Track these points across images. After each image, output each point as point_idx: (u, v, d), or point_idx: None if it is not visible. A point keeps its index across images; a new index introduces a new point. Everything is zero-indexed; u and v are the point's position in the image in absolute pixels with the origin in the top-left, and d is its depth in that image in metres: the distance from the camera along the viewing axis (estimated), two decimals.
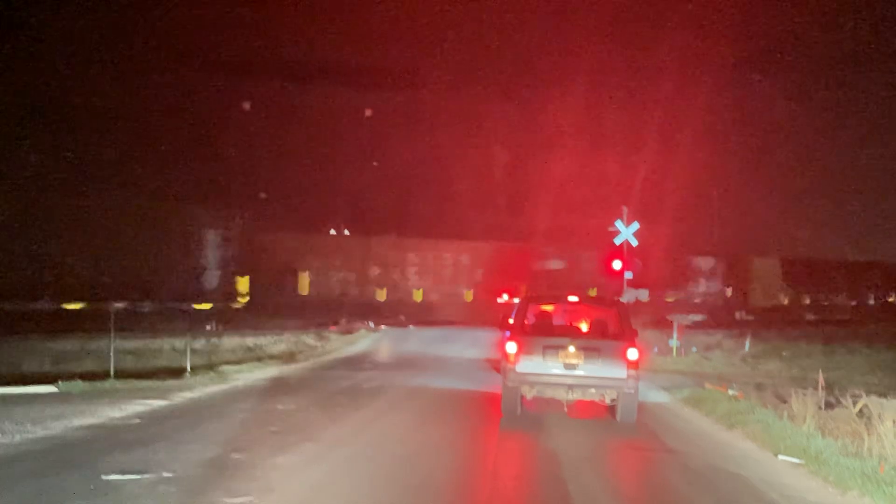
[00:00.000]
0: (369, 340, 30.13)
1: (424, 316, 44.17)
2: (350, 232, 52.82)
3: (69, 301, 35.80)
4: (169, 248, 41.23)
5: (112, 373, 14.50)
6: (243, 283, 43.29)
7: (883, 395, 10.91)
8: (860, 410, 10.16)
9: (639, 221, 25.87)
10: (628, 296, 24.63)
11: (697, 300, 54.68)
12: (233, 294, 43.21)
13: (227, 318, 30.75)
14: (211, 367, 16.54)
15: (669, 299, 48.09)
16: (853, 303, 59.18)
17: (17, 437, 8.91)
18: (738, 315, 47.45)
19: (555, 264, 46.96)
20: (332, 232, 51.09)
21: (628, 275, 25.71)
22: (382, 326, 37.89)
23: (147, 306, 34.60)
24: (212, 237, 44.30)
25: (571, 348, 10.86)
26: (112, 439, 9.02)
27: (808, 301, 58.82)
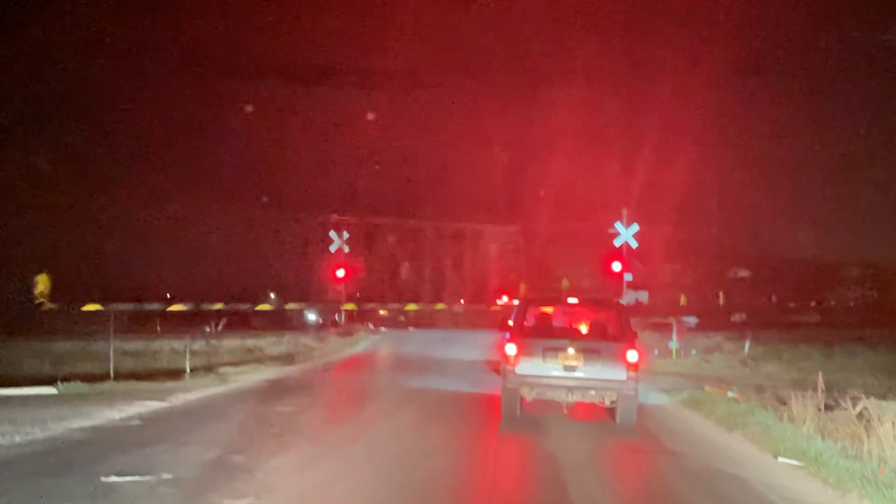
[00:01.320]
0: (369, 342, 30.12)
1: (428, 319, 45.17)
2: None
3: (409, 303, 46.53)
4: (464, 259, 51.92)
5: (112, 374, 14.50)
6: (523, 288, 48.96)
7: (882, 397, 10.91)
8: (860, 413, 10.15)
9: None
10: (628, 297, 24.64)
11: (852, 303, 55.63)
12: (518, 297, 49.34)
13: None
14: (210, 368, 16.54)
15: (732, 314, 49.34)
16: None
17: (17, 439, 8.91)
18: (736, 317, 47.48)
19: (742, 273, 49.58)
20: None
21: (628, 276, 25.74)
22: (382, 328, 37.91)
23: (458, 308, 47.13)
24: (494, 249, 52.86)
25: (571, 350, 10.85)
26: (111, 441, 9.02)
27: None
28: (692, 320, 24.65)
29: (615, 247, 26.00)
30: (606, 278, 26.06)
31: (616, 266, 25.19)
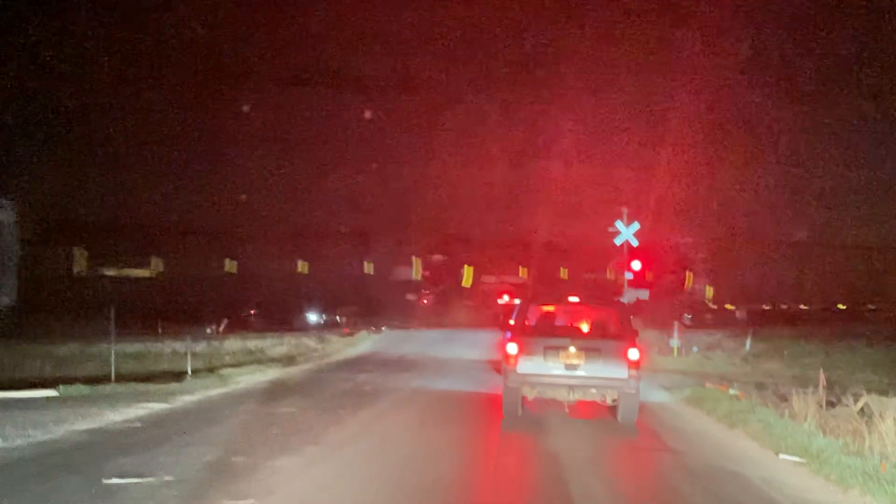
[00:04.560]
0: (370, 342, 30.12)
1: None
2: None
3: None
4: None
5: (113, 376, 14.50)
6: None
7: (884, 393, 10.92)
8: (861, 409, 10.16)
9: None
10: (629, 296, 24.63)
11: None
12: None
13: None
14: (212, 370, 16.54)
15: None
16: None
17: (19, 441, 8.90)
18: (738, 314, 47.52)
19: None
20: None
21: (628, 275, 25.74)
22: (384, 328, 37.92)
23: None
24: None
25: (572, 349, 10.85)
26: (113, 443, 9.02)
27: None
28: (685, 318, 24.73)
29: (616, 246, 26.01)
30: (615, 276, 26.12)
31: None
